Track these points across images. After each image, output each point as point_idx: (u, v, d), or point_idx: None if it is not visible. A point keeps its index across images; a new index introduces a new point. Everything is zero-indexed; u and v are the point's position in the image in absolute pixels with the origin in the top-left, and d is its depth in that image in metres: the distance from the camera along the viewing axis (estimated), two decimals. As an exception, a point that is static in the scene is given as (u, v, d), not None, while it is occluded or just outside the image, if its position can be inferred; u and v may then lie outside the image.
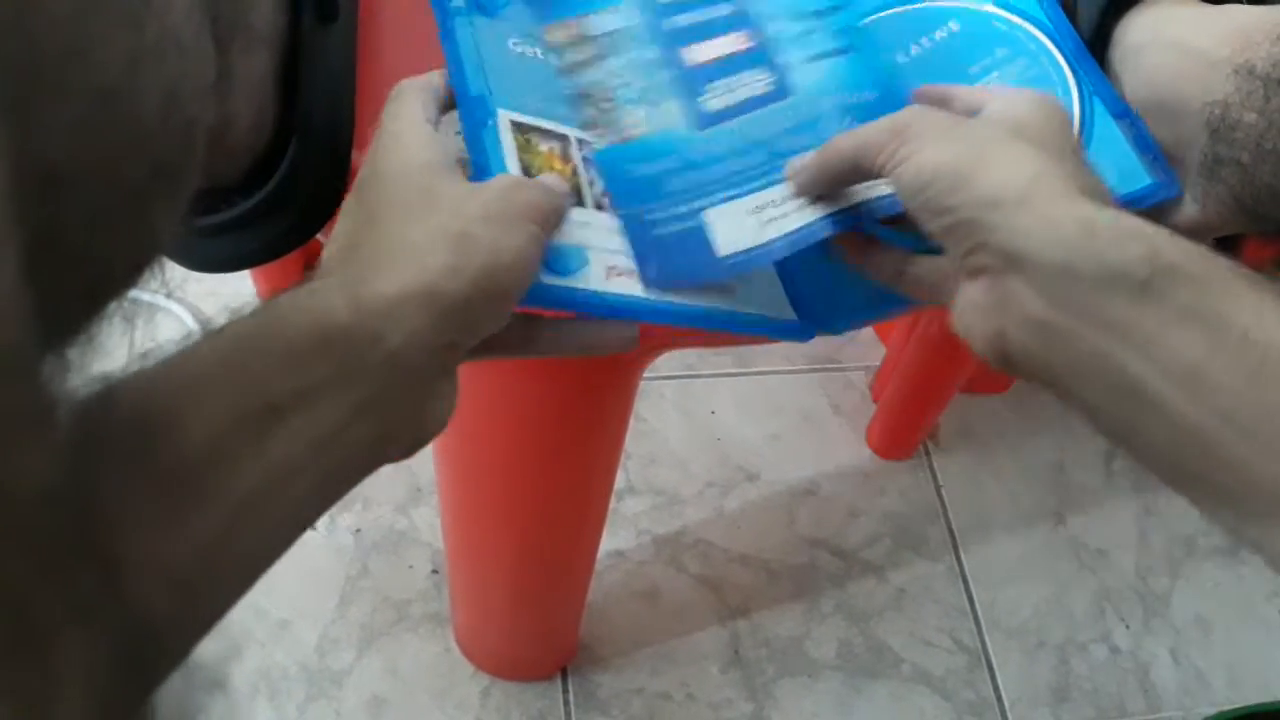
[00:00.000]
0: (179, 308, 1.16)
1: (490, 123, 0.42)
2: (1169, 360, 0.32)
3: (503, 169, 0.41)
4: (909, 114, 0.39)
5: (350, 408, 0.32)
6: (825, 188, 0.42)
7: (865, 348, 1.29)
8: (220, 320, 0.32)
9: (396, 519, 1.10)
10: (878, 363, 1.27)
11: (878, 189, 0.41)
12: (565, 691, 1.03)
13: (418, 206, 0.36)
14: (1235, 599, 1.19)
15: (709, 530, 1.14)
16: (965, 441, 1.25)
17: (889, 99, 0.46)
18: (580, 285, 0.40)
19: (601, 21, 0.50)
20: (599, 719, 1.02)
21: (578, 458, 0.71)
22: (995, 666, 1.10)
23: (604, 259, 0.41)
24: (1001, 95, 0.40)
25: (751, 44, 0.48)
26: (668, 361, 1.23)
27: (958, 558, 1.17)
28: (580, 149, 0.44)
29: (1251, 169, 0.42)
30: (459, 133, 0.42)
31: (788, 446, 1.21)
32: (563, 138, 0.44)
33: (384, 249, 0.35)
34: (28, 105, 0.23)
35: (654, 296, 0.41)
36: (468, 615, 0.98)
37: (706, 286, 0.43)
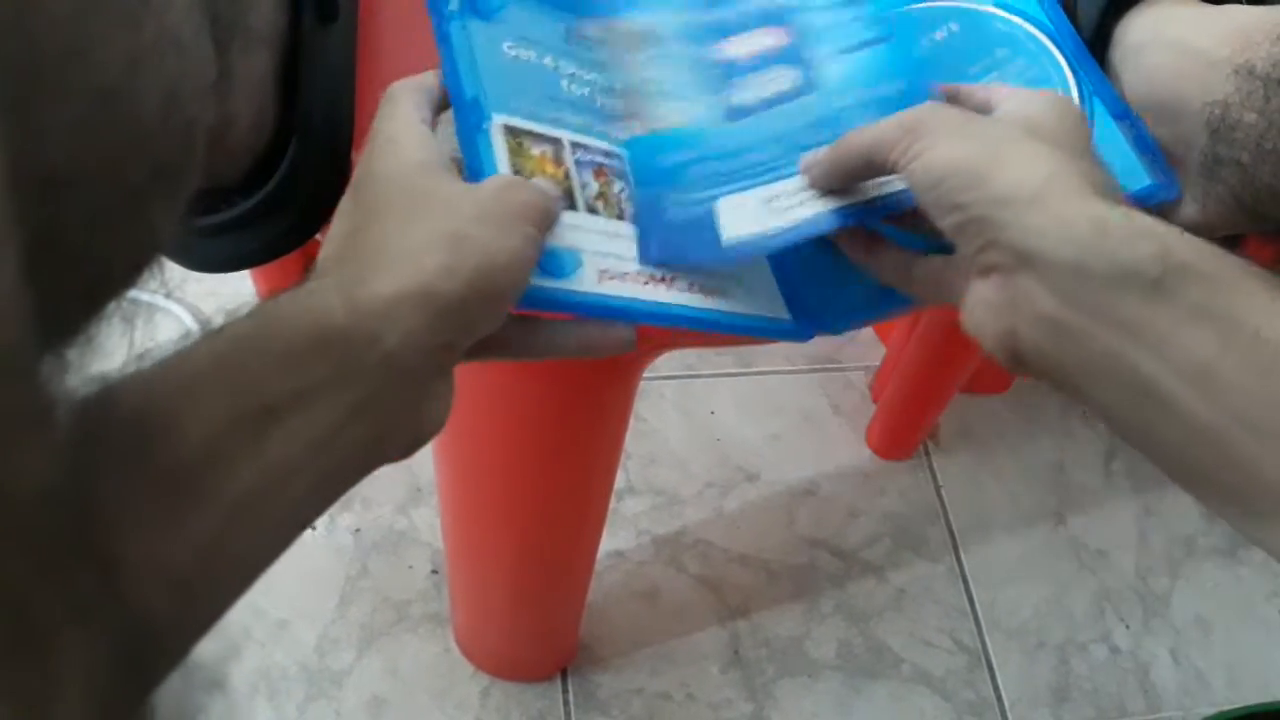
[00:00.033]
0: (178, 308, 1.16)
1: (484, 126, 0.42)
2: (1181, 359, 0.32)
3: (495, 172, 0.41)
4: (923, 110, 0.39)
5: (347, 408, 0.32)
6: (838, 182, 0.41)
7: (865, 348, 1.29)
8: (218, 321, 0.32)
9: (396, 519, 1.10)
10: (878, 363, 1.27)
11: (889, 185, 0.41)
12: (565, 692, 1.03)
13: (413, 207, 0.36)
14: (1235, 599, 1.19)
15: (709, 530, 1.14)
16: (965, 442, 1.25)
17: (914, 91, 0.45)
18: (574, 288, 0.40)
19: (641, 17, 0.50)
20: (599, 719, 1.02)
21: (577, 458, 0.71)
22: (995, 667, 1.10)
23: (597, 262, 0.41)
24: (1016, 94, 0.40)
25: (786, 40, 0.48)
26: (668, 361, 1.23)
27: (958, 558, 1.17)
28: (574, 152, 0.44)
29: (1251, 169, 0.42)
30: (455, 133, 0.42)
31: (788, 447, 1.21)
32: (555, 141, 0.44)
33: (380, 250, 0.35)
34: (28, 105, 0.23)
35: (649, 297, 0.42)
36: (467, 615, 0.98)
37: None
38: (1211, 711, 0.90)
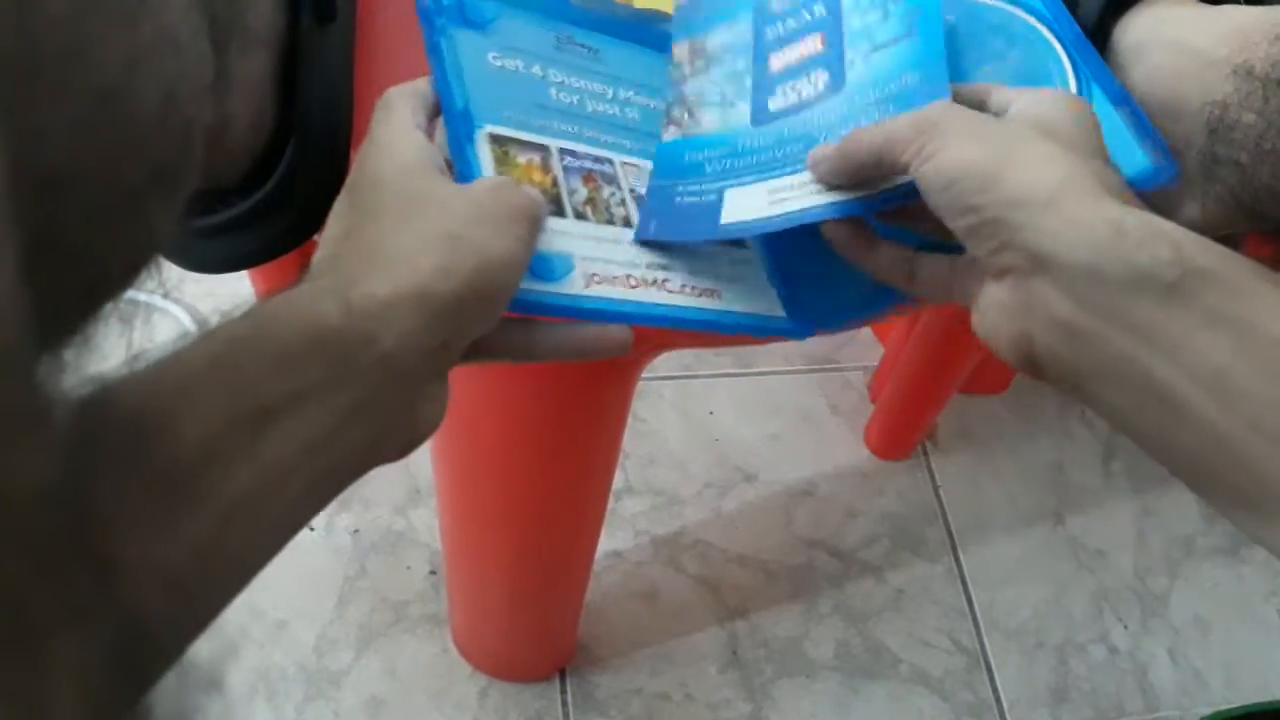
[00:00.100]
0: (176, 308, 1.16)
1: (472, 135, 0.43)
2: (1196, 364, 0.32)
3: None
4: (935, 110, 0.38)
5: (343, 409, 0.32)
6: (846, 179, 0.41)
7: (863, 348, 1.29)
8: (214, 321, 0.32)
9: (395, 520, 1.10)
10: (876, 363, 1.27)
11: (894, 179, 0.41)
12: (563, 692, 1.02)
13: (408, 209, 0.36)
14: (1233, 599, 1.19)
15: (707, 531, 1.14)
16: (964, 442, 1.25)
17: (927, 83, 0.45)
18: (565, 291, 0.41)
19: (720, 36, 0.52)
20: (597, 719, 1.02)
21: (576, 458, 0.71)
22: (994, 667, 1.10)
23: (586, 266, 0.42)
24: (1029, 94, 0.40)
25: (824, 46, 0.49)
26: (666, 362, 1.24)
27: (956, 558, 1.17)
28: (562, 159, 0.45)
29: (1250, 169, 0.42)
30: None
31: (786, 447, 1.21)
32: (543, 148, 0.45)
33: (375, 251, 0.35)
34: (27, 105, 0.23)
35: (640, 299, 0.42)
36: (466, 616, 0.98)
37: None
38: (1210, 711, 0.90)
